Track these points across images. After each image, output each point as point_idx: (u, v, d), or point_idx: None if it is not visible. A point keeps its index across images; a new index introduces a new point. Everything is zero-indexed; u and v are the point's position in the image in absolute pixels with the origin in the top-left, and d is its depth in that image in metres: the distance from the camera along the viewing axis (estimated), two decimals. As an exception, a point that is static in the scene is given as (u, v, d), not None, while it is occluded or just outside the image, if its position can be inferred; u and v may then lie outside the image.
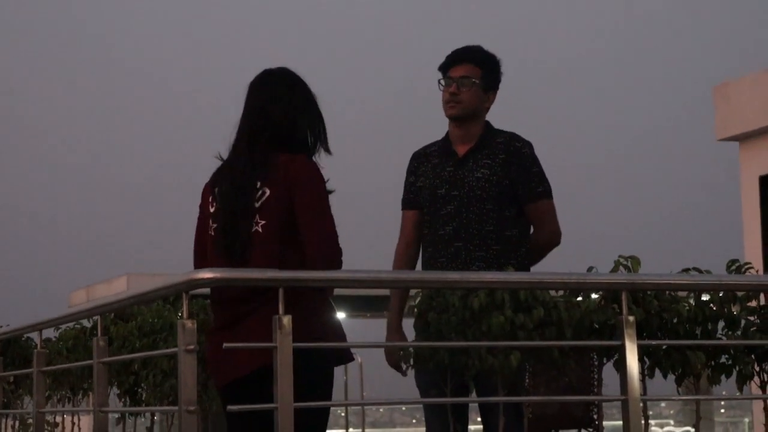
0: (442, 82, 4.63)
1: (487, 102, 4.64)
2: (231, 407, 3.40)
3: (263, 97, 3.84)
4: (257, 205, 3.72)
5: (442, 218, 4.57)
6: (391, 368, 4.67)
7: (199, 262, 3.93)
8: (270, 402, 3.40)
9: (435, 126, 4.83)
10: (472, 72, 4.58)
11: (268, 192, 3.71)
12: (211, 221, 3.83)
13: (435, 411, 4.51)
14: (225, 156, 3.89)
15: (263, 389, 3.61)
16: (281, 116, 3.80)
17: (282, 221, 3.69)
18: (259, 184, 3.73)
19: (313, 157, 3.86)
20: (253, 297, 3.68)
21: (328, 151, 3.88)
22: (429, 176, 4.65)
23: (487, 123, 4.67)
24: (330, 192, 3.79)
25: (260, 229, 3.70)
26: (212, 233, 3.82)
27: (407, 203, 4.73)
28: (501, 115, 4.91)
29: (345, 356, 3.86)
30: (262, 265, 3.67)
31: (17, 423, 8.32)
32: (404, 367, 4.57)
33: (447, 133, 4.70)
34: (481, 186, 4.52)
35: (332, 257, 3.66)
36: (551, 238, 4.60)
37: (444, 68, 4.65)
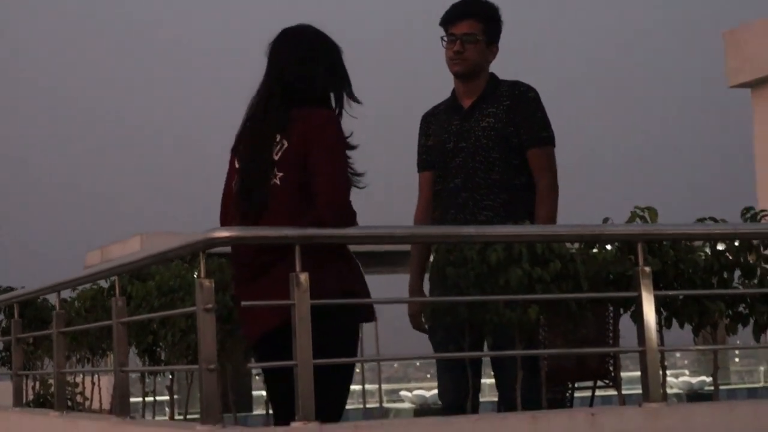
0: (445, 38, 4.60)
1: (491, 55, 4.63)
2: (251, 365, 3.43)
3: (278, 57, 3.85)
4: (276, 157, 3.72)
5: (452, 171, 4.56)
6: (414, 329, 4.67)
7: (225, 220, 3.93)
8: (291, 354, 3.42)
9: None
10: (476, 28, 4.56)
11: (286, 144, 3.71)
12: (236, 177, 3.84)
13: (448, 366, 4.52)
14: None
15: (288, 343, 3.62)
16: (295, 74, 3.80)
17: (300, 173, 3.68)
18: (278, 137, 3.73)
19: (344, 110, 3.85)
20: (271, 253, 3.67)
21: (355, 99, 3.85)
22: (438, 133, 4.65)
23: (492, 74, 4.65)
24: (352, 147, 3.79)
25: (278, 182, 3.70)
26: (235, 188, 3.83)
27: (422, 164, 4.74)
28: (511, 66, 4.88)
29: (367, 315, 3.86)
30: (279, 219, 3.65)
31: (38, 383, 8.38)
32: (428, 327, 4.58)
33: (453, 90, 4.69)
34: (487, 135, 4.51)
35: (340, 213, 3.64)
36: (551, 186, 4.52)
37: (445, 23, 4.61)
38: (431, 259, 4.47)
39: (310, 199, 3.67)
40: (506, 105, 4.53)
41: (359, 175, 3.82)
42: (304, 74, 3.79)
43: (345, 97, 3.86)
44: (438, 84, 4.88)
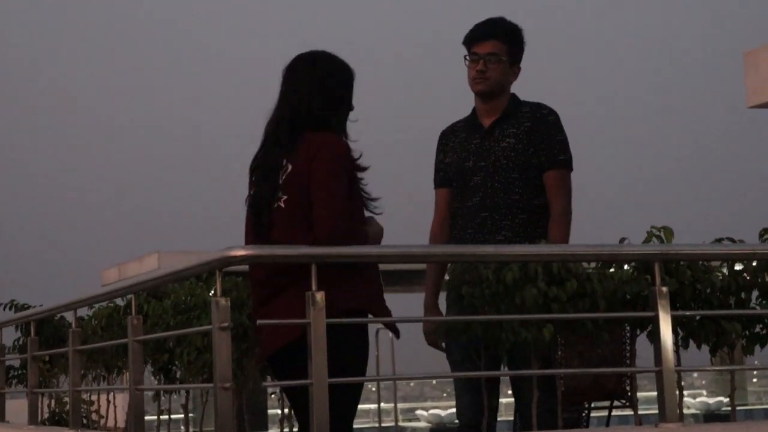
0: (468, 58, 4.62)
1: (513, 76, 4.64)
2: (265, 384, 3.43)
3: (290, 82, 3.93)
4: (281, 181, 3.79)
5: (470, 190, 4.57)
6: (429, 346, 4.67)
7: (248, 241, 4.01)
8: (303, 372, 3.43)
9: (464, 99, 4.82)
10: (499, 48, 4.58)
11: (290, 168, 3.77)
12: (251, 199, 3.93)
13: (466, 385, 4.52)
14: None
15: (296, 361, 3.65)
16: (298, 100, 3.88)
17: (302, 195, 3.72)
18: (285, 161, 3.80)
19: (346, 135, 3.90)
20: (284, 274, 3.70)
21: (343, 133, 3.91)
22: (457, 150, 4.66)
23: (513, 95, 4.66)
24: (363, 169, 3.82)
25: (282, 204, 3.77)
26: (248, 213, 3.91)
27: (439, 181, 4.74)
28: (528, 84, 4.89)
29: (394, 329, 3.90)
30: (282, 240, 3.71)
31: (53, 401, 8.38)
32: (443, 344, 4.58)
33: (474, 108, 4.70)
34: (507, 155, 4.52)
35: (335, 235, 3.64)
36: (564, 211, 4.53)
37: (469, 43, 4.64)
38: (446, 277, 4.47)
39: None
40: (527, 126, 4.54)
41: (373, 199, 3.86)
42: (311, 100, 3.85)
43: (345, 119, 3.92)
44: (456, 102, 4.89)
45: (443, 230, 4.70)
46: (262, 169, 3.87)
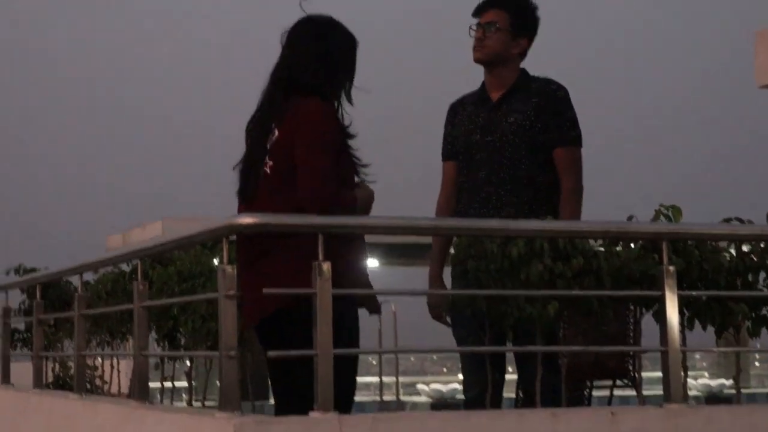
0: (473, 28, 4.61)
1: (517, 47, 4.60)
2: (272, 353, 3.42)
3: (288, 46, 3.91)
4: (268, 146, 3.77)
5: (476, 164, 4.55)
6: (434, 320, 4.66)
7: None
8: (292, 341, 3.44)
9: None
10: (499, 17, 4.56)
11: (277, 133, 3.76)
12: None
13: (472, 360, 4.51)
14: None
15: (284, 329, 3.68)
16: (296, 63, 3.85)
17: (288, 163, 3.71)
18: (273, 125, 3.78)
19: (342, 105, 3.87)
20: (270, 236, 3.68)
21: (349, 101, 3.88)
22: (464, 123, 4.64)
23: (523, 69, 4.63)
24: (351, 136, 3.81)
25: (268, 170, 3.76)
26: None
27: (446, 154, 4.72)
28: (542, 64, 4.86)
29: (373, 306, 3.85)
30: (266, 207, 3.69)
31: (57, 365, 8.41)
32: (447, 318, 4.57)
33: (483, 82, 4.68)
34: (514, 130, 4.49)
35: (320, 197, 3.64)
36: (576, 187, 4.51)
37: (475, 14, 4.65)
38: (452, 251, 4.46)
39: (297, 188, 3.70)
40: (535, 102, 4.51)
41: (364, 165, 3.84)
42: (309, 70, 3.81)
43: (346, 92, 3.88)
44: (469, 76, 4.87)
45: (449, 204, 4.68)
46: (254, 133, 3.86)
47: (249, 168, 3.83)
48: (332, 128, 3.75)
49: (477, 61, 4.61)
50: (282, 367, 3.79)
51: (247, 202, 3.81)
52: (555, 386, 4.10)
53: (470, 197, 4.56)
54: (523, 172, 4.48)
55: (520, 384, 4.44)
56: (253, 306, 3.76)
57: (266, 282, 3.55)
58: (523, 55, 4.65)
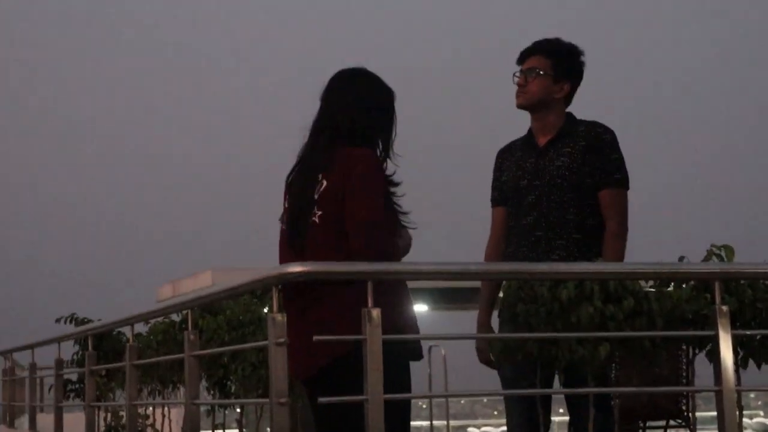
0: (517, 74, 4.67)
1: (559, 92, 4.62)
2: (322, 399, 3.42)
3: (329, 98, 3.93)
4: (316, 196, 3.77)
5: (525, 209, 4.57)
6: (482, 363, 4.65)
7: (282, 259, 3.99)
8: (347, 391, 3.42)
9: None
10: (540, 63, 4.61)
11: (325, 183, 3.76)
12: (285, 215, 3.92)
13: (518, 402, 4.49)
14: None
15: (338, 379, 3.61)
16: (341, 115, 3.87)
17: (338, 213, 3.71)
18: (321, 176, 3.79)
19: (389, 156, 3.90)
20: (316, 288, 3.68)
21: (388, 155, 3.90)
22: (512, 169, 4.66)
23: (569, 114, 4.65)
24: (396, 184, 3.82)
25: (317, 220, 3.75)
26: (282, 227, 3.90)
27: (495, 200, 4.75)
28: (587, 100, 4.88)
29: (417, 353, 3.84)
30: (316, 256, 3.68)
31: (109, 415, 8.45)
32: (496, 362, 4.55)
33: (530, 128, 4.71)
34: (562, 174, 4.51)
35: (372, 247, 3.64)
36: (620, 230, 4.50)
37: (519, 62, 4.70)
38: (500, 294, 4.46)
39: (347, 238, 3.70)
40: (582, 145, 4.53)
41: (405, 213, 3.85)
42: (352, 116, 3.85)
43: (389, 142, 3.90)
44: (515, 122, 4.90)
45: (498, 248, 4.69)
46: (298, 184, 3.86)
47: (296, 218, 3.82)
48: (381, 177, 3.77)
49: (519, 106, 4.65)
50: (332, 422, 3.75)
51: (296, 252, 3.78)
52: (608, 428, 4.07)
53: (519, 241, 4.57)
54: (572, 215, 4.48)
55: (572, 426, 4.41)
56: (305, 358, 3.71)
57: (316, 331, 3.53)
58: (567, 99, 4.67)
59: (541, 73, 4.59)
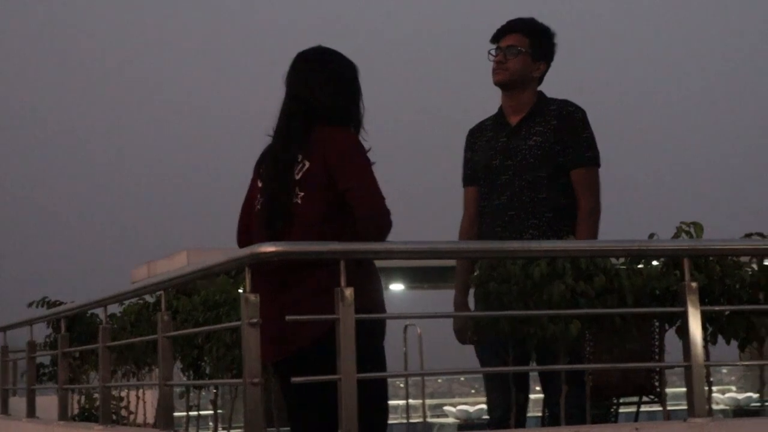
0: (492, 52, 4.66)
1: (536, 71, 4.65)
2: (295, 379, 3.43)
3: (296, 79, 3.92)
4: (297, 177, 3.77)
5: (498, 188, 4.58)
6: (461, 344, 4.67)
7: (242, 236, 3.97)
8: (328, 372, 3.42)
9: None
10: (520, 41, 4.62)
11: (307, 164, 3.76)
12: (258, 196, 3.90)
13: (496, 381, 4.52)
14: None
15: (320, 361, 3.60)
16: (315, 96, 3.86)
17: (322, 193, 3.72)
18: (300, 157, 3.79)
19: (360, 129, 3.91)
20: (294, 269, 3.69)
21: (359, 128, 3.91)
22: (484, 149, 4.67)
23: (540, 92, 4.67)
24: (371, 163, 3.83)
25: (299, 201, 3.75)
26: (258, 207, 3.88)
27: (467, 179, 4.76)
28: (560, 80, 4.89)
29: (382, 334, 3.85)
30: (301, 237, 3.68)
31: (83, 397, 8.44)
32: (465, 335, 4.58)
33: (500, 106, 4.71)
34: (534, 154, 4.53)
35: (383, 223, 3.68)
36: (593, 208, 4.52)
37: (494, 40, 4.69)
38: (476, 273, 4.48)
39: (332, 218, 3.71)
40: (554, 124, 4.55)
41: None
42: (326, 95, 3.85)
43: (359, 119, 3.91)
44: (485, 101, 4.90)
45: (472, 228, 4.71)
46: (276, 164, 3.83)
47: (274, 199, 3.80)
48: (364, 151, 3.78)
49: (498, 83, 4.65)
50: (311, 403, 3.76)
51: (276, 233, 3.75)
52: (580, 403, 4.10)
53: (492, 221, 4.58)
54: (545, 194, 4.50)
55: (546, 403, 4.45)
56: (283, 339, 3.70)
57: (293, 312, 3.54)
58: (540, 79, 4.69)
59: (522, 50, 4.60)
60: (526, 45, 4.62)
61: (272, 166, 3.85)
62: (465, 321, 4.53)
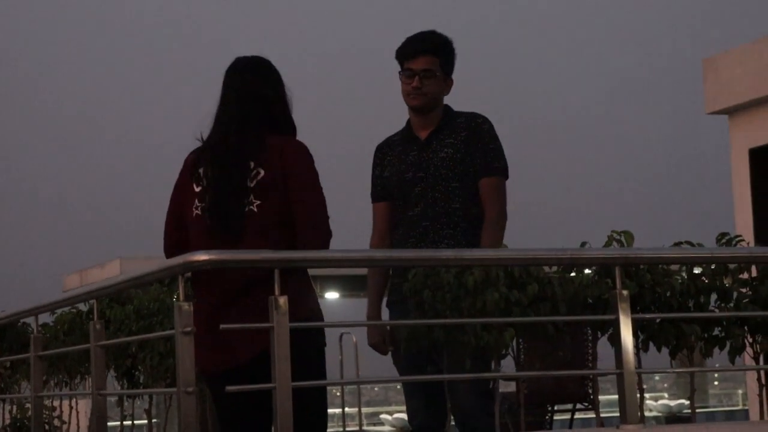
0: (403, 73, 4.65)
1: (447, 88, 4.69)
2: (230, 388, 3.41)
3: (254, 81, 3.87)
4: (251, 184, 3.73)
5: (411, 200, 4.60)
6: (372, 347, 4.68)
7: (170, 242, 3.90)
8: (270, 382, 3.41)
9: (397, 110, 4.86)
10: (433, 63, 4.61)
11: (263, 172, 3.73)
12: (196, 201, 3.82)
13: (416, 388, 4.55)
14: (205, 137, 3.90)
15: (258, 374, 3.54)
16: (273, 99, 3.84)
17: (278, 202, 3.70)
18: (252, 164, 3.75)
19: None
20: (244, 279, 3.67)
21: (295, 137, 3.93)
22: (395, 164, 4.69)
23: (446, 106, 4.71)
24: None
25: (255, 209, 3.71)
26: (197, 212, 3.80)
27: (376, 196, 4.76)
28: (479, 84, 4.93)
29: (323, 340, 3.86)
30: (257, 245, 3.65)
31: (14, 408, 8.33)
32: (385, 347, 4.60)
33: (408, 121, 4.74)
34: (446, 165, 4.56)
35: (326, 237, 3.69)
36: (498, 214, 4.56)
37: (402, 58, 4.67)
38: (389, 285, 4.52)
39: (285, 229, 3.70)
40: (463, 136, 4.59)
41: None
42: (276, 103, 3.85)
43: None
44: (390, 114, 4.92)
45: (384, 242, 4.70)
46: (223, 170, 3.77)
47: (230, 207, 3.73)
48: (314, 164, 3.78)
49: (415, 108, 4.66)
50: (250, 414, 3.75)
51: (226, 242, 3.69)
52: (490, 412, 4.15)
53: (407, 232, 4.59)
54: (458, 204, 4.54)
55: (456, 419, 4.43)
56: (231, 349, 3.65)
57: (239, 322, 3.53)
58: None
59: (437, 74, 4.62)
60: (437, 65, 4.63)
61: (220, 171, 3.78)
62: (381, 335, 4.56)
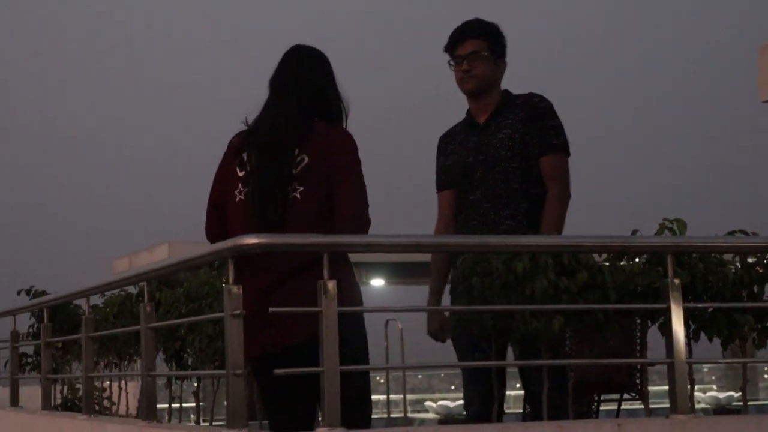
0: (452, 62, 4.66)
1: (499, 71, 4.68)
2: (279, 371, 3.42)
3: (308, 68, 3.91)
4: (295, 171, 3.74)
5: (473, 185, 4.61)
6: (430, 336, 4.69)
7: (212, 226, 3.92)
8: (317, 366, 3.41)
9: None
10: (480, 45, 4.63)
11: (306, 159, 3.74)
12: (240, 185, 3.85)
13: (474, 375, 4.53)
14: (250, 121, 3.92)
15: (304, 358, 3.54)
16: (326, 87, 3.86)
17: (320, 189, 3.71)
18: (297, 151, 3.76)
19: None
20: (289, 264, 3.68)
21: (345, 125, 3.94)
22: (457, 151, 4.71)
23: (506, 90, 4.70)
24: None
25: (298, 195, 3.73)
26: (241, 197, 3.83)
27: (441, 184, 4.78)
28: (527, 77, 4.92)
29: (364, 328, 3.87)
30: (299, 231, 3.67)
31: (65, 388, 8.42)
32: (443, 335, 4.59)
33: (468, 110, 4.74)
34: (505, 145, 4.55)
35: (361, 219, 3.71)
36: (560, 193, 4.52)
37: (450, 48, 4.68)
38: (451, 273, 4.51)
39: (325, 215, 3.72)
40: (521, 116, 4.58)
41: None
42: (329, 92, 3.87)
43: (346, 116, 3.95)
44: (451, 110, 4.93)
45: (447, 231, 4.71)
46: (269, 156, 3.79)
47: (268, 192, 3.75)
48: (358, 154, 3.80)
49: (468, 92, 4.67)
50: (296, 396, 3.76)
51: (269, 225, 3.71)
52: (561, 400, 4.12)
53: (468, 215, 4.61)
54: (517, 184, 4.53)
55: (527, 399, 4.46)
56: (279, 331, 3.68)
57: (289, 305, 3.54)
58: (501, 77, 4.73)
59: (485, 54, 4.61)
60: (486, 48, 4.63)
61: (266, 157, 3.80)
62: (440, 324, 4.55)
